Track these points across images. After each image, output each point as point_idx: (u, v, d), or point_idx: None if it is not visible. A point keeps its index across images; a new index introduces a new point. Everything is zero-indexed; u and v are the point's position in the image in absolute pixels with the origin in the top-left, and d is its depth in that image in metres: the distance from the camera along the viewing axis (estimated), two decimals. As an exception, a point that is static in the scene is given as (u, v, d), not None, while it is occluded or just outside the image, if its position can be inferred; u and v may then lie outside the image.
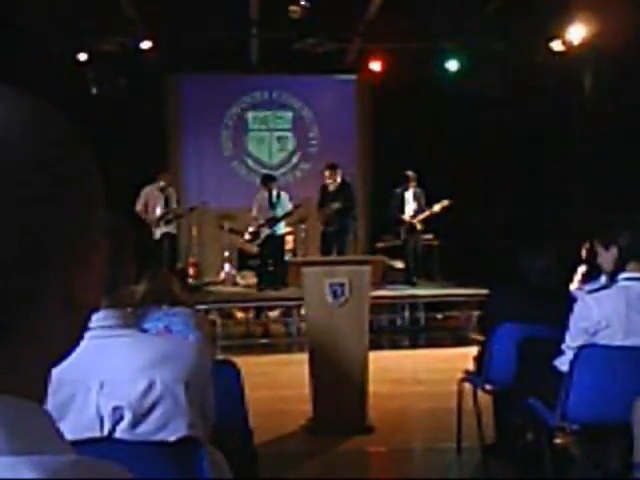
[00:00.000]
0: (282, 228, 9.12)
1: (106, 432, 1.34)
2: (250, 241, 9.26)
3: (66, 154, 0.47)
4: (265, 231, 8.91)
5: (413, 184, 9.06)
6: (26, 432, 0.42)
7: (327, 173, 8.84)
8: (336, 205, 8.67)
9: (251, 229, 9.19)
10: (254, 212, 9.00)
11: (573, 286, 4.35)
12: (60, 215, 0.45)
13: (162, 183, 9.00)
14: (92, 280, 0.49)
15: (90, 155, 0.50)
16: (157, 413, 1.37)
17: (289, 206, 9.00)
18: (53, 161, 0.46)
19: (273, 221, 8.90)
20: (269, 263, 8.97)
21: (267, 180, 9.10)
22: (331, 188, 8.81)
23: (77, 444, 1.29)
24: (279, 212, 8.91)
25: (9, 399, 0.43)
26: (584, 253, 5.09)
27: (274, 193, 8.95)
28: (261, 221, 8.92)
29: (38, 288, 0.45)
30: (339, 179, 8.79)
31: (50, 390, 0.49)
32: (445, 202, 8.89)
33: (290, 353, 7.31)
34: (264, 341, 8.22)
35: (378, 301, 7.32)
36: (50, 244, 0.45)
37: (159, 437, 1.38)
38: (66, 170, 0.46)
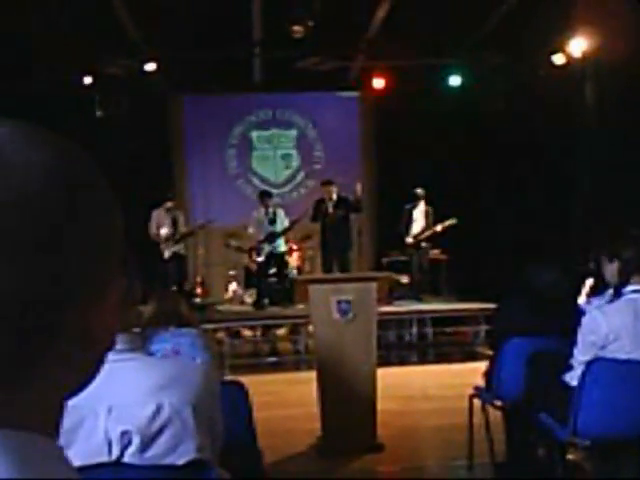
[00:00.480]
0: (282, 245, 9.11)
1: (115, 457, 1.34)
2: (251, 258, 9.24)
3: (89, 197, 0.47)
4: (266, 248, 8.90)
5: (422, 202, 9.11)
6: (39, 466, 0.42)
7: (324, 191, 8.89)
8: (340, 212, 8.67)
9: (250, 246, 9.16)
10: (250, 229, 9.00)
11: (581, 299, 4.33)
12: (78, 256, 0.45)
13: (169, 205, 9.06)
14: (108, 318, 0.49)
15: (113, 195, 0.50)
16: (165, 437, 1.37)
17: (286, 222, 8.99)
18: (75, 205, 0.46)
19: (272, 237, 8.88)
20: (270, 280, 8.95)
21: (264, 196, 9.11)
22: (328, 204, 8.80)
23: (86, 469, 1.28)
24: (278, 229, 8.91)
25: (23, 435, 0.43)
26: (591, 266, 5.07)
27: (270, 210, 8.95)
28: (260, 237, 8.90)
29: (55, 327, 0.45)
30: (334, 196, 8.80)
31: None
32: (448, 222, 8.94)
33: (298, 371, 7.28)
34: (272, 359, 8.19)
35: (385, 317, 7.30)
36: (68, 284, 0.45)
37: (168, 461, 1.37)
38: (88, 213, 0.47)
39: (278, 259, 9.03)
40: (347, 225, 8.83)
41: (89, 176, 0.48)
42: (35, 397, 0.45)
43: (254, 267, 9.34)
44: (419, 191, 9.10)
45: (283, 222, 8.98)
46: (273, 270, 8.97)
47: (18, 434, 0.43)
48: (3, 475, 0.41)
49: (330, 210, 8.76)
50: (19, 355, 0.44)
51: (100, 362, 0.50)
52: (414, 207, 9.15)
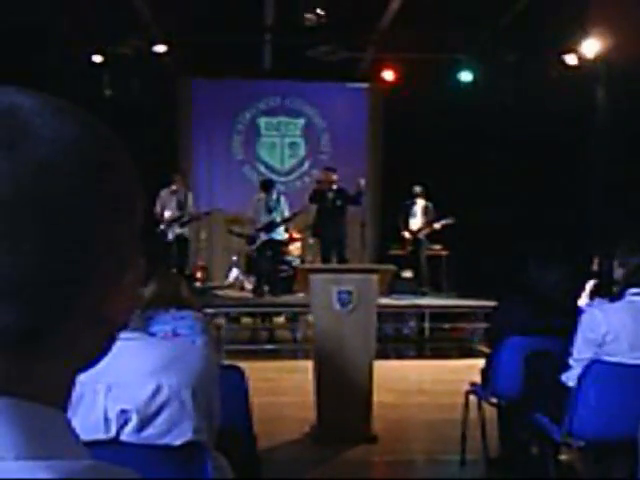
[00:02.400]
0: (281, 233, 9.06)
1: (112, 435, 1.34)
2: (248, 245, 9.20)
3: (112, 175, 0.47)
4: (262, 236, 8.86)
5: (421, 198, 9.18)
6: (46, 438, 0.43)
7: (323, 176, 8.86)
8: (338, 202, 8.63)
9: (247, 232, 9.09)
10: (249, 215, 8.92)
11: (582, 301, 4.33)
12: (96, 235, 0.45)
13: (174, 187, 9.05)
14: (123, 298, 0.48)
15: (137, 174, 0.49)
16: (163, 417, 1.38)
17: (286, 211, 8.93)
18: (99, 183, 0.45)
19: (272, 226, 8.85)
20: (270, 268, 8.93)
21: (266, 184, 9.05)
22: (327, 191, 8.74)
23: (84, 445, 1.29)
24: (278, 217, 8.87)
25: (33, 406, 0.43)
26: (595, 267, 5.07)
27: (274, 197, 8.90)
28: (258, 225, 8.85)
29: (69, 305, 0.45)
30: (335, 185, 8.78)
31: None
32: (448, 220, 8.99)
33: (295, 360, 7.30)
34: (270, 347, 8.21)
35: (385, 310, 7.31)
36: (87, 263, 0.45)
37: (165, 441, 1.38)
38: (111, 192, 0.46)
39: (276, 247, 9.00)
40: (343, 215, 8.79)
41: (116, 155, 0.48)
42: (47, 371, 0.45)
43: (254, 254, 9.35)
44: (417, 189, 9.17)
45: (284, 211, 8.92)
46: (270, 259, 8.91)
47: (31, 404, 0.43)
48: (14, 442, 0.41)
49: (329, 197, 8.73)
50: (34, 329, 0.44)
51: (112, 340, 0.50)
52: (412, 204, 9.23)
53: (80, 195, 0.44)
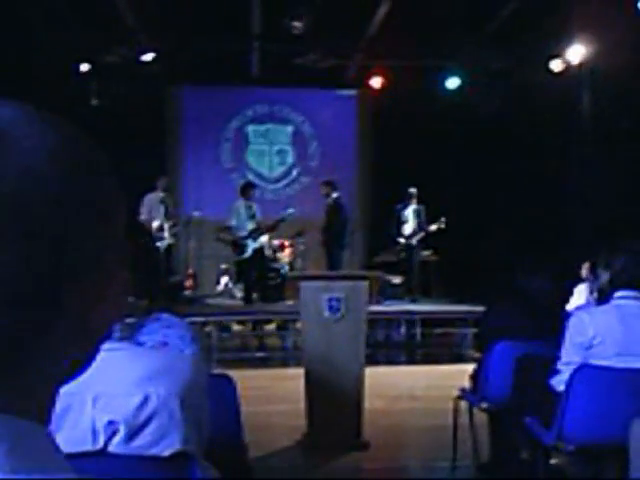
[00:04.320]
0: (267, 241, 9.06)
1: (100, 446, 1.33)
2: (237, 254, 9.08)
3: (92, 186, 0.46)
4: (251, 244, 8.79)
5: (414, 201, 9.17)
6: (28, 452, 0.42)
7: (322, 189, 8.98)
8: (325, 221, 8.83)
9: (235, 240, 8.90)
10: (233, 222, 8.79)
11: (570, 305, 4.35)
12: (81, 246, 0.45)
13: (161, 194, 8.96)
14: (107, 309, 0.48)
15: (117, 182, 0.49)
16: (152, 427, 1.37)
17: (257, 216, 8.82)
18: (78, 192, 0.45)
19: (256, 233, 8.78)
20: (256, 276, 8.89)
21: (248, 189, 8.93)
22: (326, 204, 8.93)
23: (71, 457, 1.27)
24: (258, 223, 8.77)
25: (13, 420, 0.43)
26: (584, 272, 5.10)
27: (253, 204, 8.84)
28: (243, 233, 8.78)
29: (53, 319, 0.44)
30: (334, 195, 8.88)
31: None
32: (442, 223, 8.98)
33: (286, 367, 7.28)
34: (260, 355, 8.19)
35: (375, 316, 7.31)
36: (67, 276, 0.44)
37: (153, 452, 1.37)
38: (90, 202, 0.46)
39: (264, 255, 8.97)
40: (342, 227, 8.91)
41: (97, 165, 0.48)
42: (29, 384, 0.45)
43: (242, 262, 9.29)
44: (412, 190, 9.14)
45: (257, 219, 8.85)
46: (259, 266, 8.86)
47: (12, 418, 0.43)
48: None
49: (327, 209, 8.85)
50: (13, 341, 0.43)
51: (95, 351, 0.49)
52: (405, 207, 9.21)
53: (60, 204, 0.44)
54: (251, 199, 8.84)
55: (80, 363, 0.49)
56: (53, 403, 0.48)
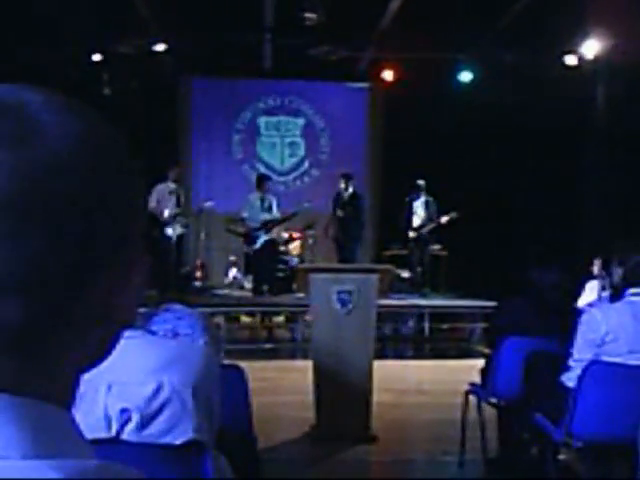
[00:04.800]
0: (280, 233, 9.07)
1: (113, 433, 1.34)
2: (247, 245, 9.12)
3: (116, 171, 0.47)
4: (262, 236, 8.82)
5: (423, 193, 9.14)
6: (52, 437, 0.42)
7: (341, 182, 8.98)
8: (340, 214, 8.83)
9: (246, 231, 8.94)
10: (244, 213, 8.83)
11: (581, 302, 4.33)
12: (102, 232, 0.45)
13: (172, 184, 8.95)
14: (129, 297, 0.48)
15: (139, 172, 0.49)
16: (164, 416, 1.37)
17: (275, 209, 8.84)
18: (102, 178, 0.45)
19: (269, 225, 8.81)
20: (270, 267, 8.91)
21: (263, 180, 8.96)
22: (344, 197, 8.94)
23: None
24: (274, 215, 8.80)
25: (38, 404, 0.43)
26: (596, 269, 5.07)
27: (268, 196, 8.86)
28: (256, 224, 8.78)
29: (75, 303, 0.45)
30: (351, 189, 8.90)
31: None
32: (453, 214, 8.93)
33: (294, 359, 7.30)
34: (269, 346, 8.21)
35: (384, 310, 7.31)
36: (90, 261, 0.44)
37: (165, 440, 1.37)
38: (113, 188, 0.46)
39: (275, 247, 8.98)
40: (359, 220, 8.94)
41: (121, 153, 0.48)
42: (53, 370, 0.45)
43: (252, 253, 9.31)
44: (420, 182, 9.13)
45: (274, 211, 8.88)
46: (269, 258, 8.88)
47: (36, 403, 0.43)
48: (20, 441, 0.41)
49: (345, 202, 8.84)
50: (40, 327, 0.44)
51: (117, 339, 0.50)
52: (415, 199, 9.19)
53: (85, 193, 0.44)
54: (267, 192, 8.86)
55: (103, 349, 0.49)
56: (76, 388, 0.48)
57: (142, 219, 0.49)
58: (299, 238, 9.85)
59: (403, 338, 8.71)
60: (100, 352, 0.49)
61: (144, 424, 1.36)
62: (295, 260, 9.41)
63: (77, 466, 0.40)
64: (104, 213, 0.45)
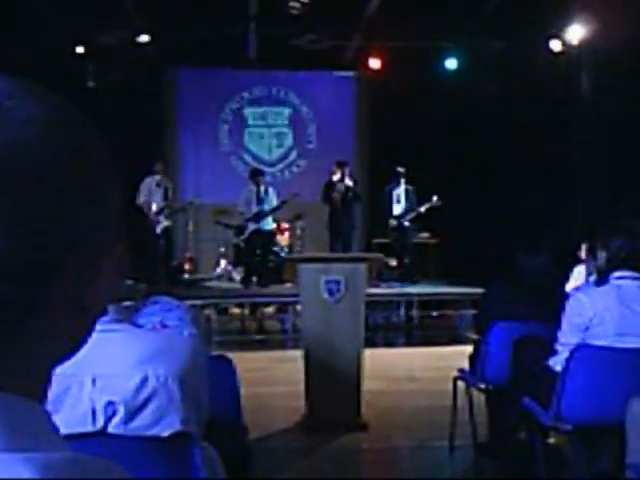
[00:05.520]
0: (270, 223, 9.05)
1: (99, 427, 1.34)
2: (236, 236, 9.18)
3: (86, 158, 0.46)
4: (251, 226, 8.83)
5: (403, 180, 9.10)
6: (24, 430, 0.42)
7: (336, 170, 8.92)
8: (338, 201, 8.80)
9: (234, 223, 9.04)
10: (240, 207, 8.89)
11: (569, 286, 4.35)
12: (73, 221, 0.44)
13: (158, 177, 8.93)
14: (102, 286, 0.47)
15: (110, 159, 0.48)
16: (151, 408, 1.37)
17: (275, 201, 8.92)
18: (71, 165, 0.44)
19: (260, 216, 8.82)
20: (259, 259, 8.91)
21: (256, 174, 9.03)
22: (340, 185, 8.88)
23: (70, 438, 1.28)
24: (267, 207, 8.85)
25: (9, 397, 0.42)
26: (583, 253, 5.09)
27: (262, 188, 8.88)
28: (248, 216, 8.83)
29: (46, 293, 0.44)
30: (348, 176, 8.88)
31: None
32: (433, 201, 8.93)
33: (285, 349, 7.31)
34: (259, 337, 8.21)
35: (373, 299, 7.32)
36: (61, 249, 0.44)
37: (152, 432, 1.37)
38: (84, 175, 0.45)
39: (265, 237, 8.98)
40: (354, 208, 8.95)
41: (88, 138, 0.47)
42: (24, 361, 0.44)
43: (242, 245, 9.31)
44: (400, 170, 9.05)
45: (272, 201, 8.91)
46: (259, 249, 8.90)
47: (7, 396, 0.42)
48: None
49: (342, 191, 8.82)
50: (8, 316, 0.43)
51: (89, 330, 0.49)
52: (395, 187, 9.14)
53: (52, 177, 0.43)
54: (259, 184, 8.85)
55: (75, 341, 0.48)
56: (49, 382, 0.47)
57: (112, 206, 0.48)
58: (288, 229, 9.84)
59: (393, 326, 8.74)
60: (71, 344, 0.48)
61: (131, 417, 1.35)
62: (284, 251, 9.40)
63: (47, 458, 0.40)
64: (70, 198, 0.44)
